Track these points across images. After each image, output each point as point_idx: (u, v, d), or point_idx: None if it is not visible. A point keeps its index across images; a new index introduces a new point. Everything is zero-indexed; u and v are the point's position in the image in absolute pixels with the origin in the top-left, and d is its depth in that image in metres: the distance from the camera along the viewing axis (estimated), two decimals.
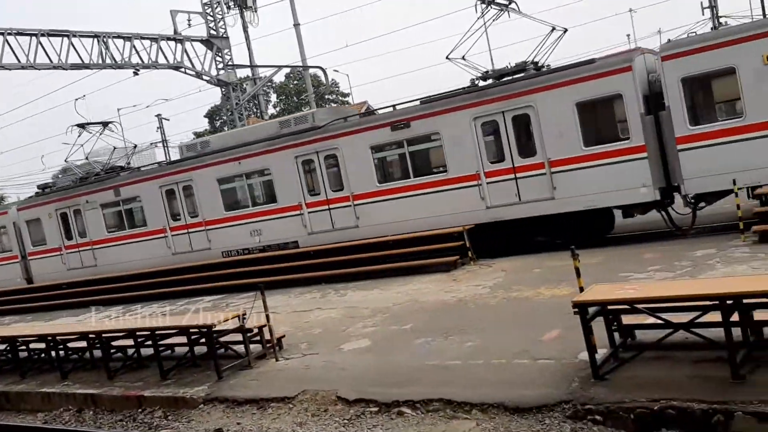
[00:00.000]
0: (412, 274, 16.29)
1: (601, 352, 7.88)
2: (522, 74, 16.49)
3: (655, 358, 7.76)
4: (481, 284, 13.71)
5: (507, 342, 9.56)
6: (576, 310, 7.65)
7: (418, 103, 17.88)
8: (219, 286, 19.44)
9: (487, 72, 17.49)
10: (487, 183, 16.46)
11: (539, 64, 16.75)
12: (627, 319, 8.20)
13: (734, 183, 13.24)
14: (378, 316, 12.74)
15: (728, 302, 6.93)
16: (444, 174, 17.15)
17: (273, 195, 20.04)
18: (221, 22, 37.22)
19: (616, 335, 8.09)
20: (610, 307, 7.80)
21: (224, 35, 37.07)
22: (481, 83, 17.13)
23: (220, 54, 36.69)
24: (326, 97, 59.54)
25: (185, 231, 21.77)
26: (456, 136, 16.72)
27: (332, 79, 52.13)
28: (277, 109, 62.95)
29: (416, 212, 17.40)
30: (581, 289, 8.21)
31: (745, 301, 7.03)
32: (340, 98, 60.15)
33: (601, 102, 15.14)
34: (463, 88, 17.36)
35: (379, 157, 18.26)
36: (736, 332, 7.14)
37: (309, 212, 19.29)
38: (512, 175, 16.18)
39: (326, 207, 19.05)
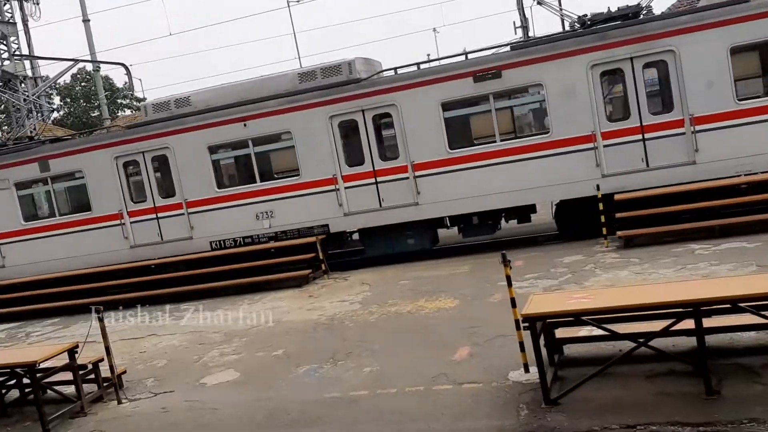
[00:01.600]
0: (257, 291, 14.58)
1: (533, 371, 6.88)
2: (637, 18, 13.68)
3: (599, 376, 6.61)
4: (347, 299, 12.28)
5: (412, 365, 8.20)
6: (526, 324, 6.59)
7: None
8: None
9: (584, 17, 14.52)
10: (604, 147, 13.43)
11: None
12: (561, 333, 7.39)
13: (597, 188, 12.79)
14: (235, 342, 10.75)
15: (703, 309, 6.23)
16: (545, 136, 13.86)
17: (294, 166, 15.57)
18: (6, 5, 30.24)
19: (544, 351, 6.88)
20: (550, 321, 6.84)
21: (10, 20, 30.40)
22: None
23: (5, 42, 29.77)
24: (119, 101, 52.36)
25: (152, 216, 16.50)
26: (565, 88, 13.53)
27: (125, 83, 44.60)
28: (62, 113, 54.15)
29: (501, 185, 13.95)
30: (513, 300, 7.34)
31: (703, 308, 6.27)
32: (135, 103, 52.51)
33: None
34: (572, 30, 14.24)
35: (453, 115, 14.54)
36: (686, 342, 6.71)
37: (347, 187, 15.08)
38: (639, 136, 13.30)
39: (372, 180, 14.96)
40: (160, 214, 16.24)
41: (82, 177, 16.77)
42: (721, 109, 12.79)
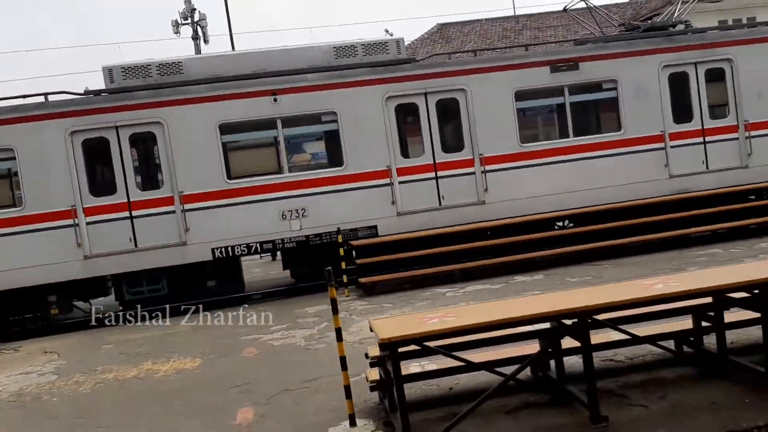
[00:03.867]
0: None
1: (363, 424, 5.63)
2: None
3: (443, 418, 5.46)
4: (32, 371, 9.30)
5: None
6: (376, 358, 5.61)
7: None
8: None
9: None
10: (672, 147, 13.56)
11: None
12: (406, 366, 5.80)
13: (338, 231, 12.20)
14: None
15: (589, 320, 5.27)
16: (617, 134, 13.48)
17: (338, 154, 12.78)
18: None
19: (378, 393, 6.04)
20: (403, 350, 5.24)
21: None
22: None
23: None
24: None
25: (124, 215, 12.13)
26: (639, 86, 13.42)
27: None
28: None
29: (582, 181, 13.20)
30: (338, 332, 5.69)
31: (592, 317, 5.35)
32: None
33: None
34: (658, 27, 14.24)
35: (526, 106, 13.36)
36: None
37: (401, 181, 12.84)
38: (700, 139, 13.72)
39: (432, 174, 12.97)
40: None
41: None
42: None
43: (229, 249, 12.37)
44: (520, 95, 13.14)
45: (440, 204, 12.97)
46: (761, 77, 13.76)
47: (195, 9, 27.53)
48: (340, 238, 12.14)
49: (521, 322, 5.29)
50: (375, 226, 12.78)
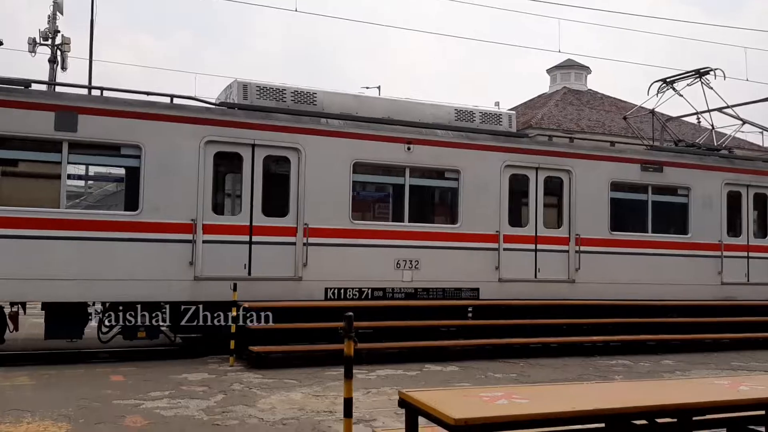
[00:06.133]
0: None
1: None
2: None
3: None
4: None
5: None
6: None
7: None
8: None
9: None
10: (725, 257, 14.89)
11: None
12: None
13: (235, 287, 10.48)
14: None
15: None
16: (685, 237, 14.61)
17: (451, 212, 12.76)
18: None
19: None
20: None
21: None
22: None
23: None
24: None
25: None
26: (705, 197, 14.77)
27: None
28: None
29: (652, 275, 14.06)
30: (348, 404, 5.27)
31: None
32: None
33: None
34: (715, 148, 15.69)
35: (617, 197, 14.13)
36: None
37: (504, 248, 12.99)
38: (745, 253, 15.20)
39: (532, 246, 13.27)
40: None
41: None
42: None
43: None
44: (614, 186, 14.01)
45: (536, 276, 13.25)
46: None
47: (59, 31, 24.48)
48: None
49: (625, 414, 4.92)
50: (478, 289, 12.76)
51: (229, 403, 7.97)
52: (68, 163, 10.51)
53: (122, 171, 11.60)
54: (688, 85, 16.15)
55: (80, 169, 11.78)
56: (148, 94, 11.16)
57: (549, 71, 35.14)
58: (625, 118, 16.56)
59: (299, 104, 12.12)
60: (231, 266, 11.11)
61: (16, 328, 10.77)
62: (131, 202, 10.82)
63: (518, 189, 13.38)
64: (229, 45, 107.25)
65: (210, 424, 7.06)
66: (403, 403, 4.89)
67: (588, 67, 34.39)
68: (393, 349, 11.60)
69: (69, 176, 10.78)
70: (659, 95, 16.47)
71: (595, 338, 13.03)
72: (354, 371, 9.05)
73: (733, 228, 15.29)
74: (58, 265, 10.14)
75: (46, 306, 10.47)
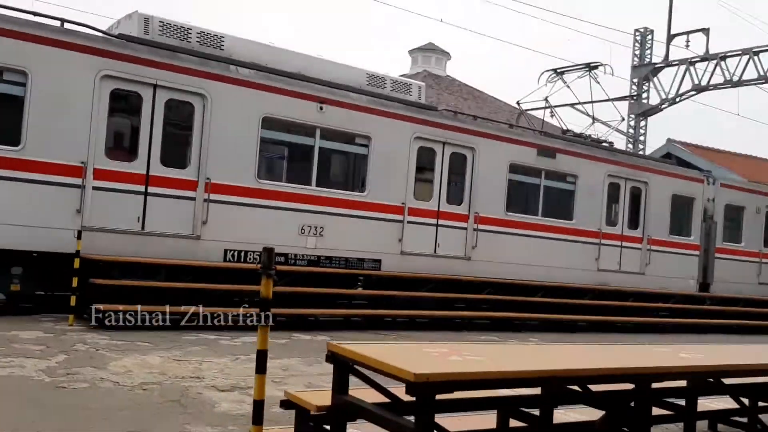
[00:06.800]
0: None
1: None
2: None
3: None
4: None
5: None
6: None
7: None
8: None
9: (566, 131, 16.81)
10: (603, 245, 15.62)
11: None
12: None
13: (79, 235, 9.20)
14: None
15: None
16: (570, 223, 15.12)
17: (359, 179, 12.24)
18: None
19: None
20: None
21: None
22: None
23: None
24: None
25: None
26: (591, 188, 15.38)
27: None
28: None
29: (541, 258, 14.44)
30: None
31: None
32: None
33: None
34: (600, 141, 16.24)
35: (514, 179, 14.24)
36: None
37: (409, 222, 12.72)
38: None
39: (434, 221, 13.09)
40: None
41: None
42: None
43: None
44: (513, 168, 14.18)
45: (435, 251, 13.11)
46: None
47: None
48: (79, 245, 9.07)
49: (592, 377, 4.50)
50: (380, 260, 12.39)
51: (74, 364, 6.90)
52: None
53: None
54: (578, 77, 16.78)
55: None
56: (35, 14, 9.64)
57: (411, 52, 35.24)
58: (518, 103, 16.93)
59: (205, 47, 11.07)
60: (123, 218, 9.91)
61: None
62: (10, 134, 9.28)
63: (425, 162, 13.15)
64: None
65: (53, 386, 6.05)
66: (333, 357, 4.08)
67: (448, 53, 34.91)
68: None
69: None
70: (548, 84, 17.02)
71: (464, 313, 13.10)
72: (217, 337, 8.95)
73: (611, 218, 16.08)
74: None
75: None
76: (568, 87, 16.83)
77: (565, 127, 16.93)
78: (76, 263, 9.03)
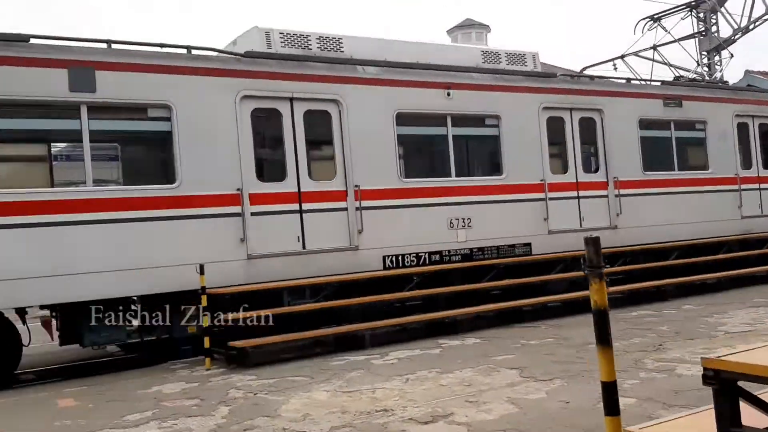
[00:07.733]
0: None
1: None
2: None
3: None
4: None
5: None
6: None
7: None
8: None
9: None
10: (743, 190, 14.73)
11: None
12: None
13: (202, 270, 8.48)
14: None
15: None
16: (706, 172, 14.28)
17: (496, 162, 11.70)
18: None
19: None
20: None
21: None
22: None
23: None
24: None
25: None
26: (721, 130, 14.50)
27: None
28: None
29: (685, 214, 13.63)
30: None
31: None
32: None
33: None
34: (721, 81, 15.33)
35: (645, 136, 13.49)
36: None
37: (550, 198, 12.10)
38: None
39: (575, 194, 12.45)
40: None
41: None
42: None
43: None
44: (642, 123, 13.40)
45: (581, 225, 12.48)
46: None
47: None
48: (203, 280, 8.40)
49: None
50: (530, 243, 11.83)
51: (243, 416, 6.13)
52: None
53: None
54: (682, 19, 15.84)
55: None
56: (162, 46, 9.33)
57: (449, 32, 34.35)
58: (622, 57, 16.08)
59: (326, 51, 10.63)
60: (285, 240, 9.59)
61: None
62: (166, 173, 9.02)
63: (556, 133, 12.49)
64: None
65: None
66: (716, 377, 3.26)
67: (488, 25, 33.87)
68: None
69: None
70: (644, 33, 16.11)
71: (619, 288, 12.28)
72: (362, 356, 8.39)
73: (746, 160, 15.14)
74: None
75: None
76: (669, 33, 15.88)
77: (677, 74, 16.02)
78: (204, 301, 8.39)
